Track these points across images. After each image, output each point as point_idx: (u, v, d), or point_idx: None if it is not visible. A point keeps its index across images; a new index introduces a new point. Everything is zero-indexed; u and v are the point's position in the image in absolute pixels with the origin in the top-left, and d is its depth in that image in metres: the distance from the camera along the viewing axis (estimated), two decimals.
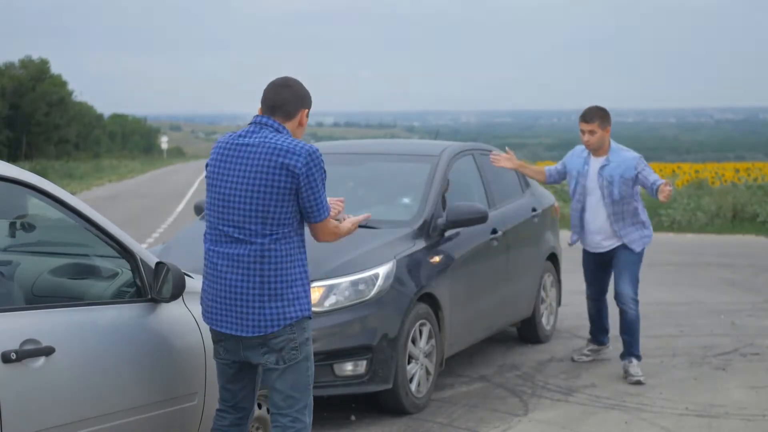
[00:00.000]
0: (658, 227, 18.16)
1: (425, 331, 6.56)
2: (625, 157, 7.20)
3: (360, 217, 4.42)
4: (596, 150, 7.21)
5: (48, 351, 3.65)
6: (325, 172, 4.08)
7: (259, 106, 4.22)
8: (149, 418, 4.09)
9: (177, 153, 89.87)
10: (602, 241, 7.35)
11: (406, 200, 7.26)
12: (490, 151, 8.44)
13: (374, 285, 6.22)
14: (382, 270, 6.30)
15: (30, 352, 3.60)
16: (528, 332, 8.47)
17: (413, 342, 6.45)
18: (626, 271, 7.27)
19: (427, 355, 6.60)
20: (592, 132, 7.12)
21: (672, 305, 10.19)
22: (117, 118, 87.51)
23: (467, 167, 7.79)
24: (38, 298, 4.13)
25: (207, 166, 4.21)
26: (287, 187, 3.99)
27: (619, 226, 7.26)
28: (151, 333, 4.14)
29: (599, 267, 7.56)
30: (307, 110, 4.21)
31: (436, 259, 6.78)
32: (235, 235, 4.04)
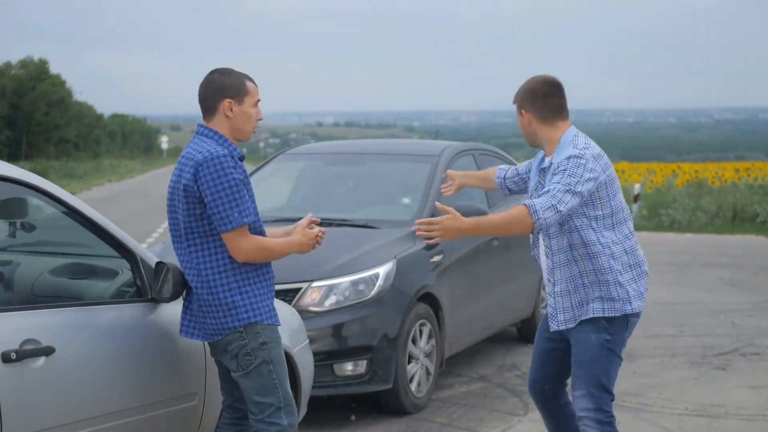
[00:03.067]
0: (658, 227, 18.19)
1: (425, 331, 6.56)
2: (563, 156, 4.23)
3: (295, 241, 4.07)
4: (538, 147, 4.48)
5: (48, 351, 3.65)
6: (228, 177, 3.84)
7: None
8: (149, 418, 4.09)
9: (177, 153, 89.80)
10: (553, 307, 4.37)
11: (406, 200, 7.27)
12: (491, 151, 8.46)
13: (374, 285, 6.23)
14: (383, 270, 6.30)
15: (30, 352, 3.60)
16: (528, 332, 8.47)
17: (413, 342, 6.45)
18: (582, 368, 4.30)
19: (427, 355, 6.60)
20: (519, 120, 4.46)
21: (672, 305, 10.19)
22: (117, 118, 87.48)
23: (467, 167, 7.79)
24: (38, 298, 4.14)
25: None
26: (189, 196, 3.91)
27: (560, 277, 4.29)
28: (151, 333, 4.14)
29: (551, 346, 4.51)
30: (229, 100, 4.00)
31: (436, 259, 6.78)
32: (175, 245, 4.11)
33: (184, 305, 4.13)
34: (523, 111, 4.36)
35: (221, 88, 4.03)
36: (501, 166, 4.84)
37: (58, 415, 3.70)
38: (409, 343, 6.39)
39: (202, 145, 3.98)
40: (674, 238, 16.89)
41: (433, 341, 6.64)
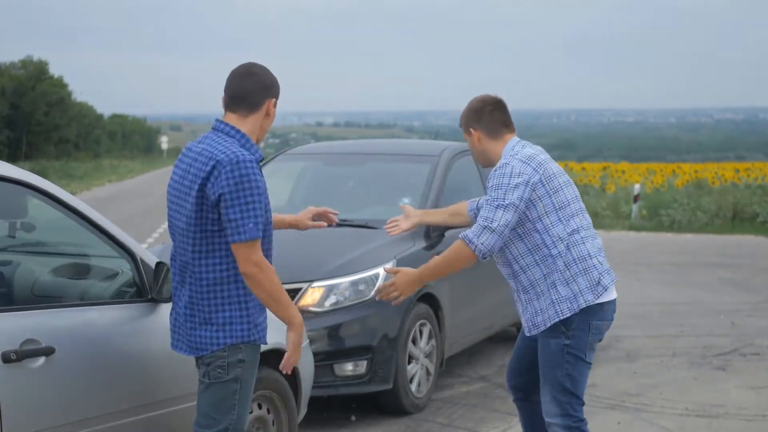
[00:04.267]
0: (658, 227, 18.19)
1: (425, 331, 6.57)
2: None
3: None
4: (490, 166, 4.47)
5: (48, 351, 3.65)
6: (252, 185, 3.56)
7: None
8: (149, 418, 4.09)
9: (177, 153, 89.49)
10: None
11: (406, 200, 7.27)
12: None
13: (374, 285, 6.22)
14: (383, 270, 6.30)
15: (30, 352, 3.60)
16: None
17: (413, 342, 6.45)
18: (545, 373, 4.33)
19: (428, 355, 6.60)
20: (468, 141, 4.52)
21: (672, 305, 10.19)
22: (117, 118, 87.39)
23: (467, 167, 7.79)
24: (38, 298, 4.13)
25: None
26: (203, 197, 3.61)
27: (517, 287, 4.35)
28: (152, 333, 4.14)
29: (529, 342, 4.55)
30: (274, 99, 3.79)
31: None
32: (177, 250, 3.83)
33: (171, 314, 3.91)
34: (471, 130, 4.43)
35: (270, 86, 3.79)
36: (472, 199, 4.77)
37: (58, 415, 3.70)
38: (409, 344, 6.39)
39: (225, 144, 3.66)
40: (674, 238, 16.89)
41: (433, 341, 6.64)
